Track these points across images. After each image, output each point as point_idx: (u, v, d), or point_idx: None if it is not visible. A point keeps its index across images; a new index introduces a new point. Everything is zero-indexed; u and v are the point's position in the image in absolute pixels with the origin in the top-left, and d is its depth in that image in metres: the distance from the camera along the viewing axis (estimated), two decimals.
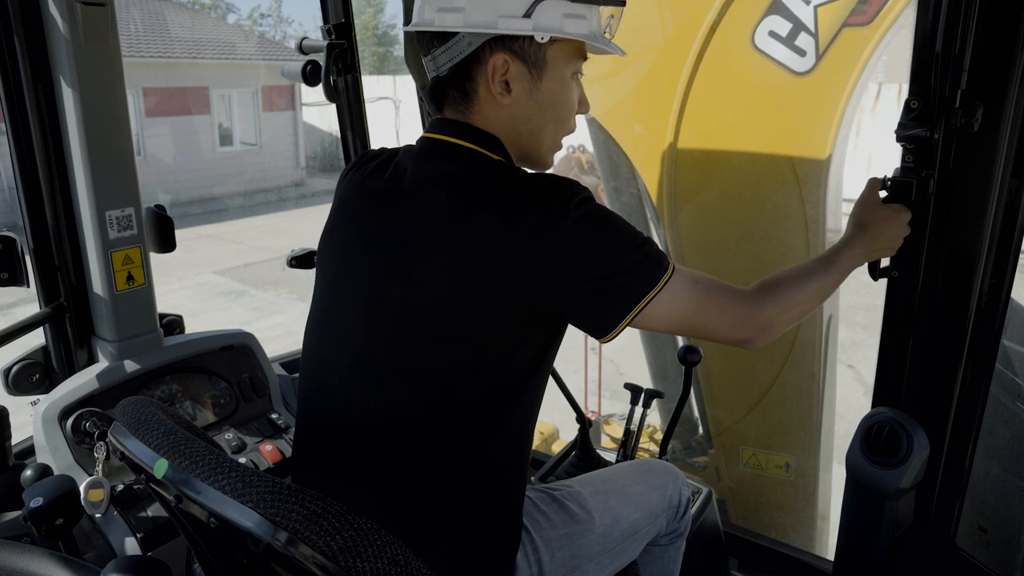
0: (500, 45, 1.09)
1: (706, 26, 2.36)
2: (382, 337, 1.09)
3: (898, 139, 1.31)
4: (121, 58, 1.65)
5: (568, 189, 1.02)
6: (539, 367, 1.11)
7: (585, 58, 1.19)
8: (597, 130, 2.92)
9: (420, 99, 2.19)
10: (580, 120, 1.29)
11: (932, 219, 1.34)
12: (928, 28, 1.25)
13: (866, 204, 1.33)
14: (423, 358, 1.06)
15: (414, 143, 1.20)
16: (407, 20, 2.09)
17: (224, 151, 15.65)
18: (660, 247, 1.08)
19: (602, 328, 1.05)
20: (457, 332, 1.03)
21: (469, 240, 1.02)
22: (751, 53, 2.31)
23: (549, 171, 1.20)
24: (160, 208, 1.84)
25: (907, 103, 1.29)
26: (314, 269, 1.27)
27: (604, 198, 3.28)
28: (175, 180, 13.63)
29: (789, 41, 2.26)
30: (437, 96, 1.18)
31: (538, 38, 1.09)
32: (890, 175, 1.36)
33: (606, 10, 1.16)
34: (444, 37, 1.11)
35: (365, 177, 1.20)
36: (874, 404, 1.54)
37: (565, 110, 1.18)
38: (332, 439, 1.15)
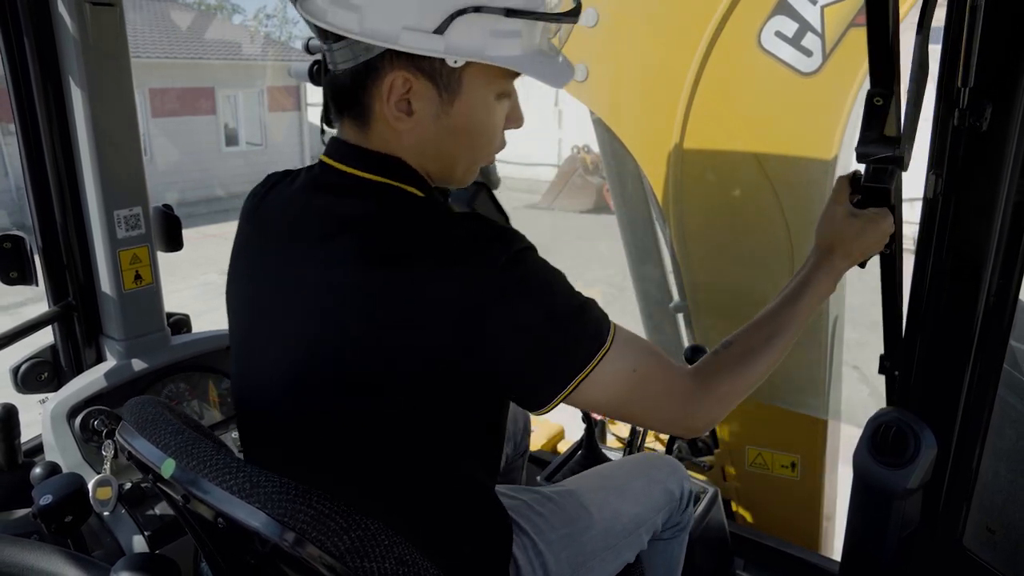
0: (402, 60, 0.88)
1: (712, 26, 2.35)
2: (308, 398, 0.94)
3: None
4: (129, 59, 1.66)
5: (504, 240, 0.86)
6: (476, 432, 1.00)
7: (518, 74, 0.95)
8: (602, 130, 2.91)
9: None
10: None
11: (939, 219, 1.33)
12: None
13: (832, 219, 1.14)
14: (352, 419, 0.93)
15: (315, 166, 1.00)
16: None
17: (229, 151, 15.70)
18: (602, 311, 0.93)
19: (536, 400, 0.90)
20: (386, 394, 0.89)
21: (390, 295, 0.84)
22: (757, 54, 2.30)
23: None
24: (167, 207, 1.85)
25: None
26: None
27: (609, 199, 3.28)
28: (181, 180, 13.69)
29: (795, 41, 2.25)
30: (338, 98, 0.96)
31: (450, 62, 0.87)
32: (861, 171, 1.18)
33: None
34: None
35: (266, 214, 1.02)
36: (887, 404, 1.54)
37: (484, 137, 0.97)
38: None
